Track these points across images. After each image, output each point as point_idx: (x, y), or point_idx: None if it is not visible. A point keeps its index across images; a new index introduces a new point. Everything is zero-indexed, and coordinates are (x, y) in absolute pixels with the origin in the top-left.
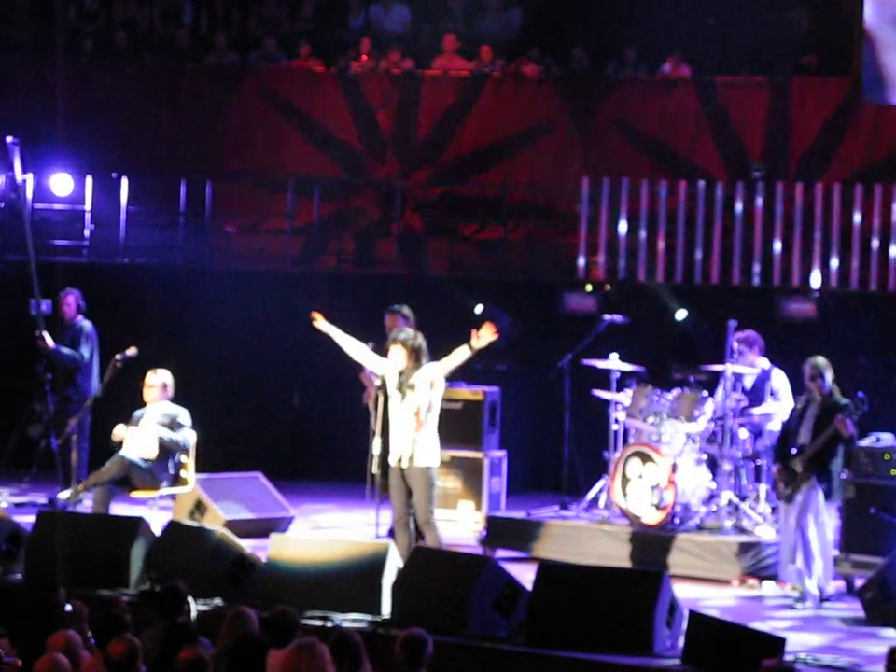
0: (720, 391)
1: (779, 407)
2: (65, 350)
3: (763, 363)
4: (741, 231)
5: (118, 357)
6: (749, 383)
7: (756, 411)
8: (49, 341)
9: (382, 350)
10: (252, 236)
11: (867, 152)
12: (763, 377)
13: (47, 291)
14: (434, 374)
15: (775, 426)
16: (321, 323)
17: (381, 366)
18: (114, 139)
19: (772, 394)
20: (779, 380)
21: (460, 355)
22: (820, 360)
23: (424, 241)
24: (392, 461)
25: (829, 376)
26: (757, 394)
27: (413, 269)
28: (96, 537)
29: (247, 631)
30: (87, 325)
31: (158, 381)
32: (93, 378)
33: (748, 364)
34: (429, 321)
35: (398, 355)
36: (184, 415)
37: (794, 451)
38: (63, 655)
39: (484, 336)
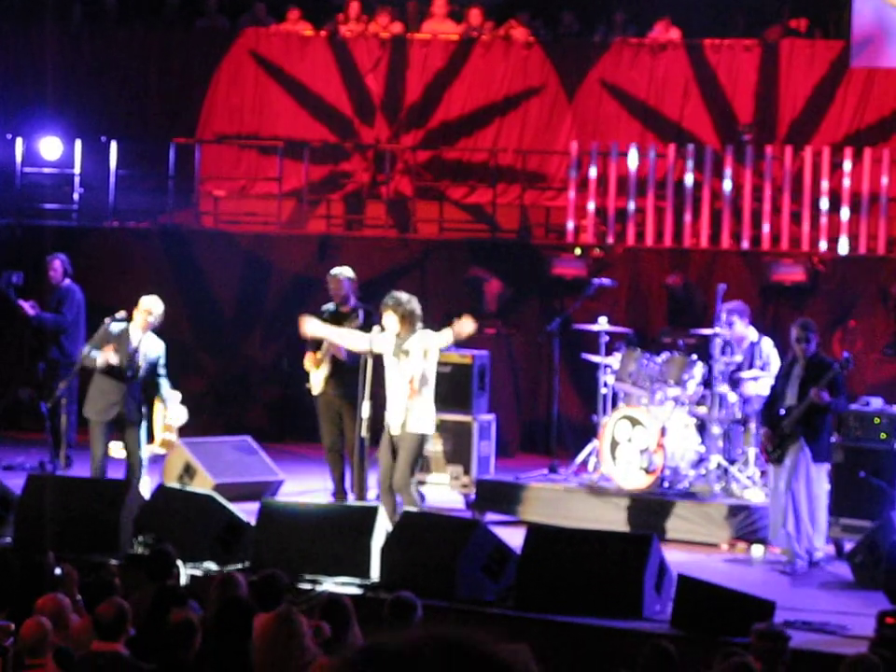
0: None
1: (768, 373)
2: (48, 315)
3: (752, 334)
4: (730, 195)
5: (107, 320)
6: (738, 357)
7: (745, 374)
8: (29, 309)
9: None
10: (241, 200)
11: (857, 115)
12: (752, 349)
13: (34, 255)
14: (428, 342)
15: (763, 390)
16: (310, 326)
17: (377, 342)
18: (103, 103)
19: (760, 358)
20: (767, 348)
21: (444, 338)
22: (807, 322)
23: (413, 204)
24: (386, 426)
25: (815, 338)
26: (746, 362)
27: (401, 232)
28: (85, 500)
29: (234, 594)
30: (73, 288)
31: (147, 305)
32: (80, 341)
33: (738, 335)
34: (418, 285)
35: (390, 320)
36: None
37: (782, 412)
38: (48, 618)
39: (466, 326)
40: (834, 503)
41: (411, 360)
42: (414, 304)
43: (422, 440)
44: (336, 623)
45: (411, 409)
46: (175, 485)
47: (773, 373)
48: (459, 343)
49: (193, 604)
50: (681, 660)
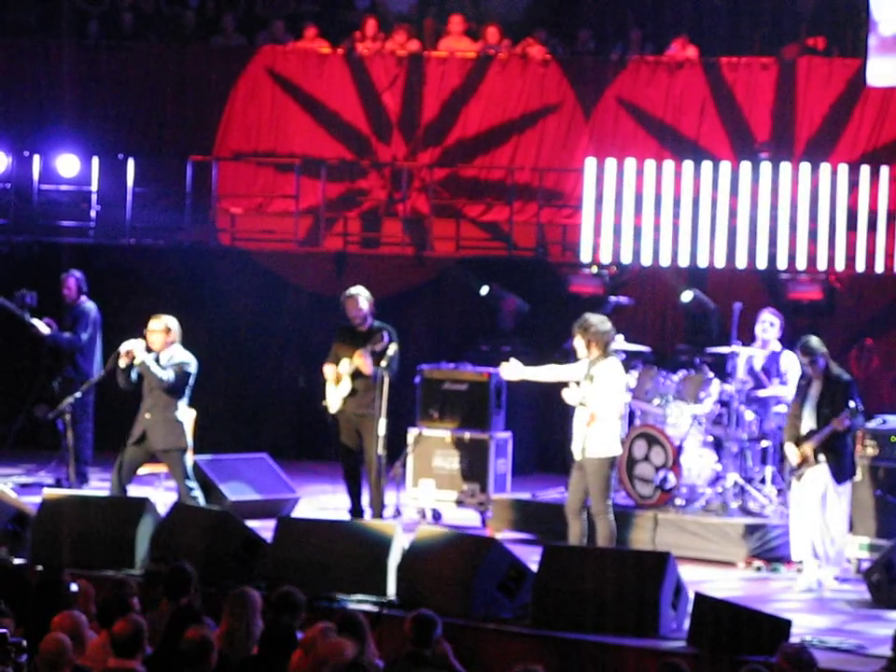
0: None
1: (786, 390)
2: (63, 335)
3: (776, 345)
4: (747, 213)
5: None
6: (758, 364)
7: (762, 393)
8: (44, 328)
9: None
10: (258, 217)
11: (873, 134)
12: (774, 358)
13: (52, 273)
14: (613, 372)
15: (780, 408)
16: (512, 371)
17: (577, 371)
18: (120, 120)
19: (779, 375)
20: (788, 362)
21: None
22: (811, 343)
23: (430, 222)
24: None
25: (822, 356)
26: (766, 374)
27: (418, 250)
28: (102, 517)
29: (247, 613)
30: (89, 306)
31: (160, 325)
32: (95, 359)
33: (770, 338)
34: (435, 303)
35: (578, 344)
36: (186, 360)
37: (804, 431)
38: (67, 635)
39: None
40: (851, 522)
41: (595, 386)
42: (604, 327)
43: (606, 463)
44: (352, 639)
45: (589, 435)
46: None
47: (790, 387)
48: (475, 361)
49: (209, 621)
50: None
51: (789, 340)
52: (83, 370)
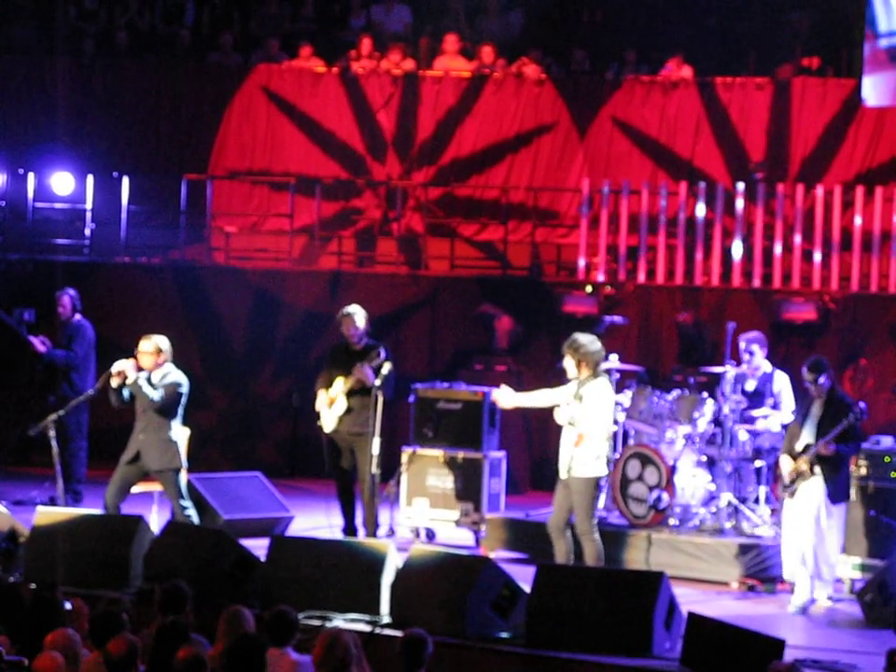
0: (720, 392)
1: (779, 413)
2: (59, 352)
3: (766, 366)
4: (742, 233)
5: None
6: (751, 386)
7: (756, 413)
8: (40, 346)
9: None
10: (252, 236)
11: (868, 154)
12: (766, 380)
13: (46, 290)
14: (596, 391)
15: (774, 427)
16: (505, 398)
17: (567, 392)
18: (115, 138)
19: (772, 396)
20: (781, 382)
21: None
22: (814, 363)
23: (424, 241)
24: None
25: (827, 376)
26: (760, 397)
27: (413, 269)
28: (95, 536)
29: (246, 630)
30: (83, 324)
31: (150, 346)
32: (90, 376)
33: (755, 365)
34: (430, 321)
35: (568, 364)
36: (178, 380)
37: (799, 448)
38: (61, 653)
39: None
40: (845, 542)
41: (584, 406)
42: (594, 347)
43: (592, 483)
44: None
45: (576, 455)
46: (186, 521)
47: (784, 409)
48: (469, 380)
49: (202, 640)
50: None
51: (782, 360)
52: (78, 387)
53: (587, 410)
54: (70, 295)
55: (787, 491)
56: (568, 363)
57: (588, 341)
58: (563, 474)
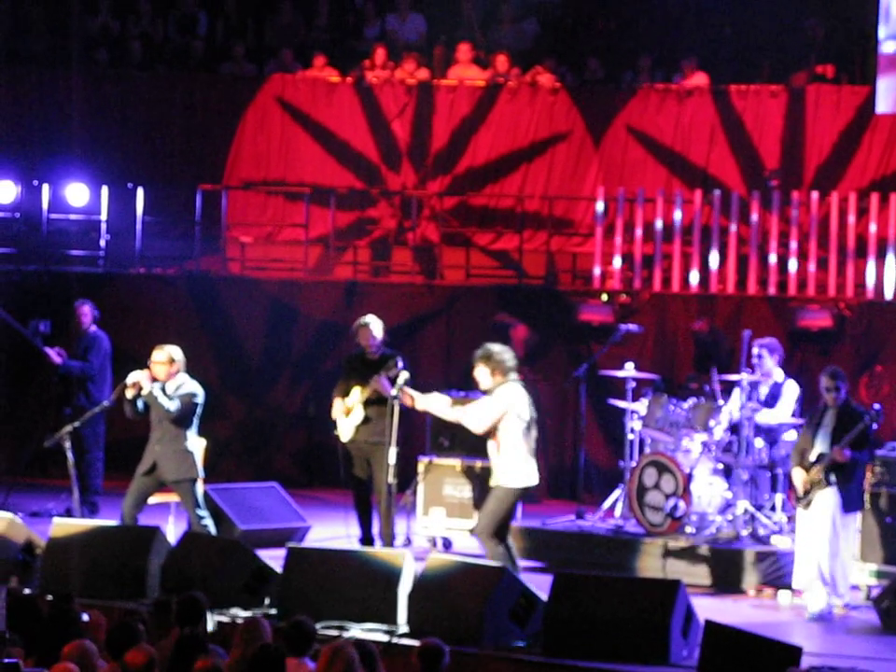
0: (733, 398)
1: (774, 414)
2: (75, 363)
3: (778, 374)
4: (757, 241)
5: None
6: (763, 393)
7: (758, 417)
8: (56, 357)
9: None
10: (268, 246)
11: (883, 161)
12: (777, 387)
13: (61, 302)
14: (505, 400)
15: (791, 435)
16: (411, 399)
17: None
18: (129, 149)
19: (780, 398)
20: (789, 391)
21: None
22: (836, 371)
23: (439, 251)
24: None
25: (844, 386)
26: (773, 403)
27: (428, 278)
28: (112, 547)
29: (265, 641)
30: (100, 335)
31: (163, 357)
32: (106, 387)
33: (766, 371)
34: (445, 331)
35: (481, 373)
36: (193, 391)
37: (812, 459)
38: (77, 665)
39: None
40: (861, 548)
41: (475, 408)
42: (507, 355)
43: (510, 494)
44: (363, 669)
45: (497, 463)
46: (203, 532)
47: (780, 412)
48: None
49: (219, 650)
50: None
51: (798, 367)
52: (95, 398)
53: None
54: (90, 305)
55: (801, 502)
56: (482, 373)
57: (501, 349)
58: (492, 482)
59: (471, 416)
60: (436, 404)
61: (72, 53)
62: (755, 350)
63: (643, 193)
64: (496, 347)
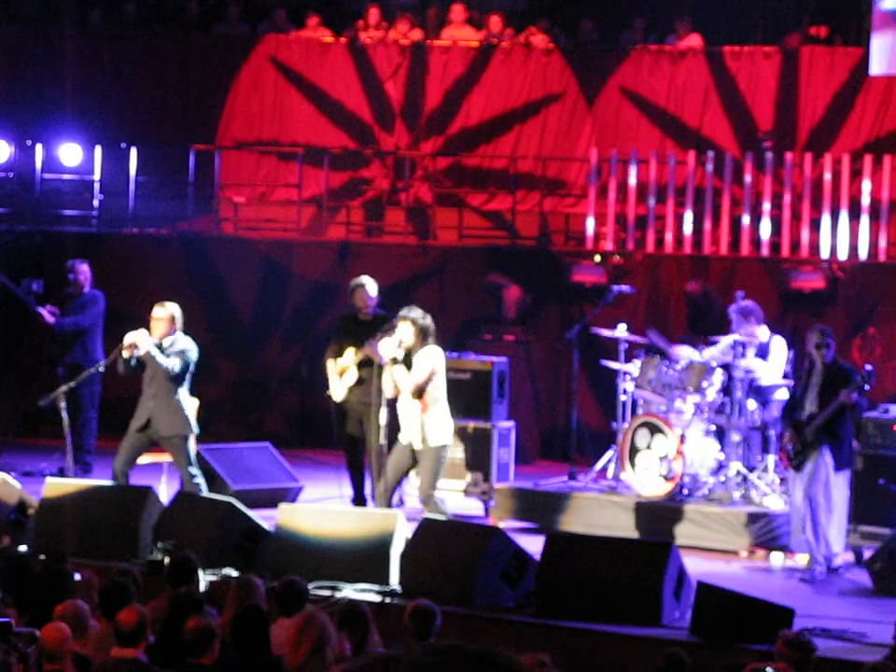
0: (719, 345)
1: (762, 365)
2: (67, 319)
3: (763, 333)
4: (750, 202)
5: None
6: (750, 353)
7: (744, 363)
8: (48, 316)
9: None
10: (261, 206)
11: (876, 123)
12: (765, 346)
13: (55, 261)
14: (434, 361)
15: (782, 394)
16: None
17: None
18: (123, 109)
19: (768, 356)
20: (776, 347)
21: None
22: (825, 329)
23: (432, 211)
24: (402, 439)
25: (833, 345)
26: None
27: (421, 239)
28: (105, 507)
29: (255, 601)
30: (97, 294)
31: (164, 313)
32: (99, 347)
33: (745, 335)
34: (438, 291)
35: (407, 332)
36: (188, 347)
37: (804, 418)
38: (68, 624)
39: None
40: (853, 510)
41: (416, 372)
42: (429, 321)
43: (441, 451)
44: (355, 630)
45: (426, 422)
46: (195, 491)
47: (769, 365)
48: (478, 350)
49: (211, 610)
50: (699, 667)
51: (791, 328)
52: (92, 356)
53: (422, 374)
54: (87, 264)
55: (793, 464)
56: (406, 332)
57: (422, 314)
58: (416, 444)
59: (410, 379)
60: (399, 375)
61: (65, 13)
62: (731, 316)
63: (636, 154)
64: (419, 311)
